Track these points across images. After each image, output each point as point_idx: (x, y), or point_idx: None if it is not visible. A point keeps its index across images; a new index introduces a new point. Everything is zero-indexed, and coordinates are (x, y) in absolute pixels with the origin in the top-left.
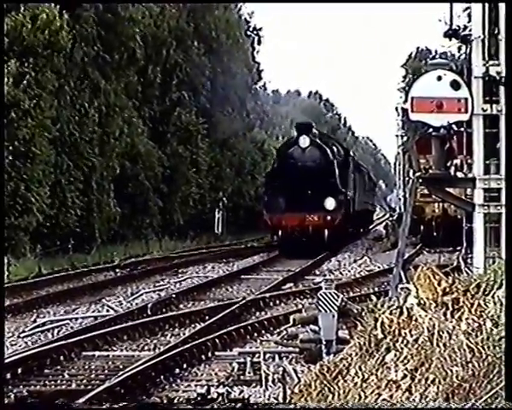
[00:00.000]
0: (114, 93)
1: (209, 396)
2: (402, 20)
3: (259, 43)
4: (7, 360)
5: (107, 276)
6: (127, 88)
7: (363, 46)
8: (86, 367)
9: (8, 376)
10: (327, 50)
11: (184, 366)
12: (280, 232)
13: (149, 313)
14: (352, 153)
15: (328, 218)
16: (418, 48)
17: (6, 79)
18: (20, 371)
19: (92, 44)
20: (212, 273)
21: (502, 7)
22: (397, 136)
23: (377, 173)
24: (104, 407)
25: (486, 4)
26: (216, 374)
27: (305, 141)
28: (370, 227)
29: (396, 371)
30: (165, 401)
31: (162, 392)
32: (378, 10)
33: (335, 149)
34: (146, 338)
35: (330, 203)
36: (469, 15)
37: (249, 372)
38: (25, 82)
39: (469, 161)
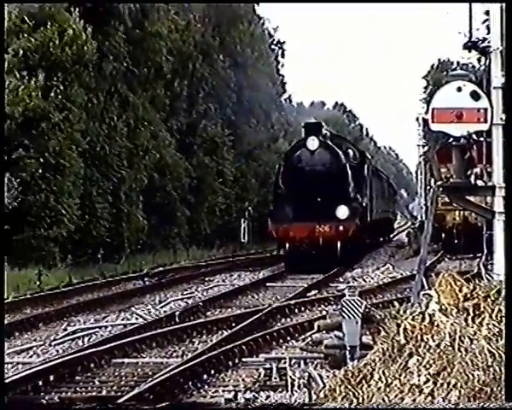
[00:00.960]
0: (142, 106)
1: (236, 401)
2: (424, 36)
3: (283, 56)
4: (39, 368)
5: (136, 285)
6: (155, 101)
7: (388, 60)
8: (116, 374)
9: (40, 383)
10: (352, 61)
11: (212, 372)
12: (287, 245)
13: (177, 320)
14: (368, 156)
15: (341, 228)
16: (439, 59)
17: (35, 93)
18: (51, 378)
19: (121, 60)
20: (238, 281)
21: None
22: (418, 146)
23: (399, 182)
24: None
25: (504, 16)
26: (243, 380)
27: (313, 143)
28: (391, 236)
29: (419, 375)
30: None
31: (190, 398)
32: (402, 22)
33: (350, 152)
34: (174, 345)
35: (343, 212)
36: (488, 27)
37: (275, 378)
38: (53, 95)
39: (489, 169)
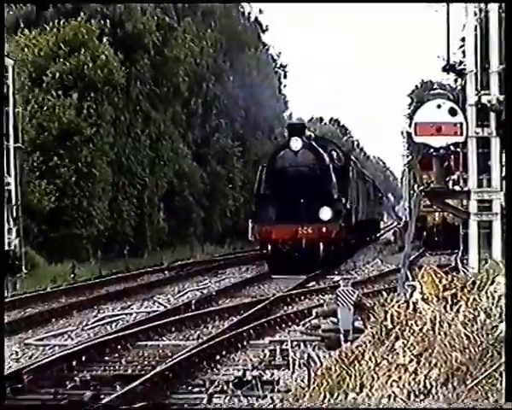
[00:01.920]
0: (163, 122)
1: (245, 379)
2: (409, 60)
3: (285, 77)
4: (73, 349)
5: (158, 277)
6: (173, 117)
7: (377, 81)
8: (140, 355)
9: (74, 363)
10: (346, 84)
11: (223, 352)
12: (269, 246)
13: (193, 308)
14: (354, 158)
15: (324, 230)
16: (422, 80)
17: (69, 110)
18: (83, 358)
19: (145, 82)
20: (247, 274)
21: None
22: (403, 155)
23: (387, 188)
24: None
25: (479, 42)
26: (250, 360)
27: (297, 143)
28: (379, 234)
29: (404, 356)
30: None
31: (205, 375)
32: (390, 48)
33: (334, 154)
34: (190, 329)
35: (326, 213)
36: (463, 53)
37: (279, 358)
38: (85, 112)
39: (465, 176)
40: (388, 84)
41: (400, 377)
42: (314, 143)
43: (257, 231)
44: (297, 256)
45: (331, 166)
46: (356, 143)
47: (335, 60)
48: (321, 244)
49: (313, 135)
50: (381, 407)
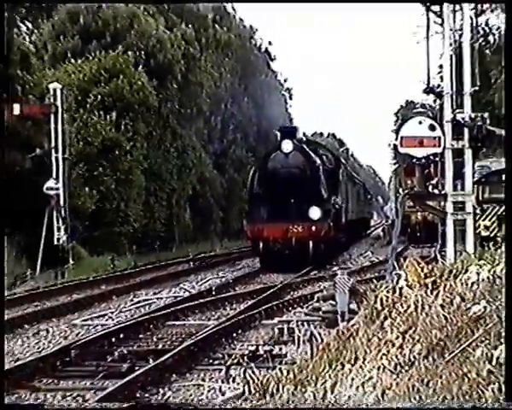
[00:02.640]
0: (188, 136)
1: (257, 353)
2: (395, 83)
3: (291, 98)
4: (113, 328)
5: (184, 267)
6: (197, 132)
7: (369, 101)
8: (169, 333)
9: (113, 339)
10: (343, 103)
11: (239, 331)
12: (261, 244)
13: (214, 293)
14: (343, 161)
15: (313, 228)
16: (406, 100)
17: (110, 127)
18: (121, 335)
19: (173, 103)
20: (259, 264)
21: (466, 68)
22: (390, 164)
23: (377, 191)
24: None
25: (454, 68)
26: (262, 337)
27: (288, 145)
28: (370, 231)
29: (391, 333)
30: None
31: (224, 350)
32: (379, 73)
33: (324, 157)
34: (211, 311)
35: (315, 213)
36: (441, 77)
37: (286, 335)
38: (123, 129)
39: (442, 181)
40: (379, 104)
41: (388, 351)
42: (305, 146)
43: (249, 229)
44: (287, 254)
45: (321, 167)
46: (350, 153)
47: (334, 60)
48: (310, 242)
49: (304, 138)
50: (381, 406)
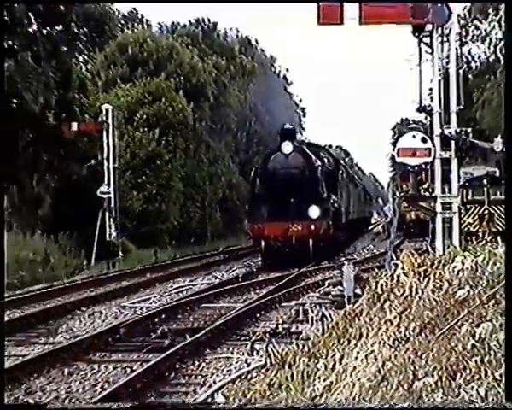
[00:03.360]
0: (218, 149)
1: (277, 330)
2: (393, 103)
3: (304, 116)
4: (156, 310)
5: (215, 258)
6: (226, 145)
7: (372, 118)
8: (203, 314)
9: (156, 320)
10: (346, 119)
11: (262, 312)
12: (262, 243)
13: (240, 280)
14: (343, 164)
15: (313, 227)
16: (402, 118)
17: (153, 141)
18: (163, 316)
19: (206, 121)
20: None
21: (452, 91)
22: (388, 171)
23: (377, 194)
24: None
25: (442, 91)
26: (281, 317)
27: (288, 147)
28: (370, 228)
29: (390, 313)
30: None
31: (249, 328)
32: (378, 93)
33: (324, 159)
34: (238, 295)
35: (314, 211)
36: (431, 98)
37: (301, 316)
38: (164, 143)
39: (432, 186)
40: (380, 120)
41: (387, 329)
42: (305, 147)
43: (250, 228)
44: (288, 252)
45: (320, 168)
46: (355, 162)
47: (340, 81)
48: (310, 240)
49: (305, 141)
50: (381, 405)
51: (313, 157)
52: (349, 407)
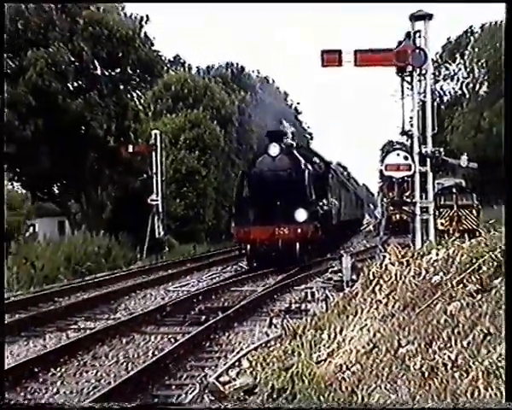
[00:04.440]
0: (242, 165)
1: (291, 308)
2: (382, 128)
3: (311, 139)
4: (195, 292)
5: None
6: (248, 162)
7: (366, 139)
8: (232, 295)
9: (194, 300)
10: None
11: (278, 294)
12: (248, 246)
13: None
14: (334, 168)
15: (299, 230)
16: (388, 140)
17: (192, 160)
18: (200, 298)
19: (233, 143)
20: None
21: (428, 118)
22: (378, 182)
23: (369, 200)
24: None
25: (420, 118)
26: (294, 298)
27: (275, 149)
28: (363, 228)
29: (380, 294)
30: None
31: (268, 307)
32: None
33: (314, 162)
34: (260, 281)
35: (301, 215)
36: (411, 124)
37: (309, 297)
38: (202, 162)
39: (413, 194)
40: (371, 142)
41: (378, 307)
42: (294, 151)
43: (236, 231)
44: (274, 255)
45: (307, 171)
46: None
47: (340, 111)
48: (297, 244)
49: (294, 144)
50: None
51: (301, 159)
52: (355, 407)
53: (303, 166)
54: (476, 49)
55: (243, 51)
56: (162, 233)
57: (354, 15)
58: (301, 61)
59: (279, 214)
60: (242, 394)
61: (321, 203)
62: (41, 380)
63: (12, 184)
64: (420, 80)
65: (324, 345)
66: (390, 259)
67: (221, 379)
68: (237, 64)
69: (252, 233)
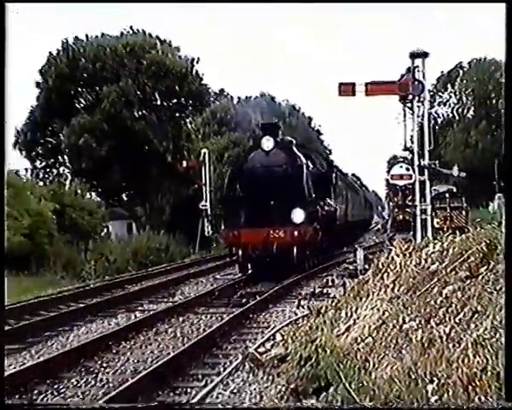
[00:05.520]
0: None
1: (315, 292)
2: (386, 145)
3: (330, 154)
4: (237, 279)
5: None
6: None
7: (374, 153)
8: (247, 293)
9: (236, 286)
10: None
11: (305, 281)
12: (240, 251)
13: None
14: (338, 167)
15: (296, 233)
16: (393, 154)
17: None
18: (241, 284)
19: None
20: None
21: (425, 135)
22: (385, 189)
23: (378, 204)
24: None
25: (419, 137)
26: (317, 284)
27: (268, 143)
28: (372, 227)
29: (387, 280)
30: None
31: (297, 291)
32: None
33: (316, 160)
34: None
35: (298, 215)
36: (412, 141)
37: (330, 283)
38: None
39: (414, 198)
40: (378, 157)
41: (385, 291)
42: (292, 146)
43: (225, 235)
44: (268, 261)
45: (305, 167)
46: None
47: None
48: (294, 248)
49: (293, 141)
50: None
51: (298, 154)
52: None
53: (300, 162)
54: (464, 81)
55: (243, 51)
56: (210, 232)
57: (354, 15)
58: (301, 60)
59: (273, 215)
60: (276, 361)
61: (322, 203)
62: (114, 351)
63: (90, 194)
64: (418, 106)
65: (342, 322)
66: (395, 251)
67: (259, 350)
68: (269, 94)
69: (243, 236)
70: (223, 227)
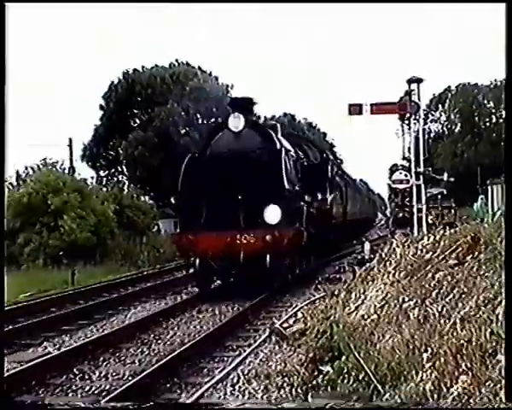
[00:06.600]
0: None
1: (329, 277)
2: (386, 155)
3: (342, 163)
4: None
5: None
6: None
7: (377, 163)
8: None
9: None
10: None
11: (321, 269)
12: (197, 261)
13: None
14: (332, 160)
15: (269, 237)
16: (393, 163)
17: None
18: None
19: None
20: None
21: (421, 149)
22: (388, 192)
23: (382, 203)
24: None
25: (415, 148)
26: (331, 271)
27: (238, 121)
28: (376, 224)
29: (390, 266)
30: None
31: (314, 277)
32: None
33: (306, 148)
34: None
35: (273, 214)
36: (409, 151)
37: (341, 270)
38: None
39: (411, 199)
40: (380, 166)
41: (388, 276)
42: (272, 132)
43: (177, 240)
44: (235, 274)
45: (285, 151)
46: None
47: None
48: (267, 256)
49: (278, 125)
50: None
51: (273, 135)
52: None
53: (278, 146)
54: (453, 102)
55: (243, 52)
56: None
57: (354, 15)
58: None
59: (241, 214)
60: (297, 335)
61: (310, 199)
62: (164, 326)
63: (144, 197)
64: (415, 123)
65: (352, 302)
66: (396, 243)
67: (283, 325)
68: (291, 114)
69: (200, 242)
70: (177, 230)
